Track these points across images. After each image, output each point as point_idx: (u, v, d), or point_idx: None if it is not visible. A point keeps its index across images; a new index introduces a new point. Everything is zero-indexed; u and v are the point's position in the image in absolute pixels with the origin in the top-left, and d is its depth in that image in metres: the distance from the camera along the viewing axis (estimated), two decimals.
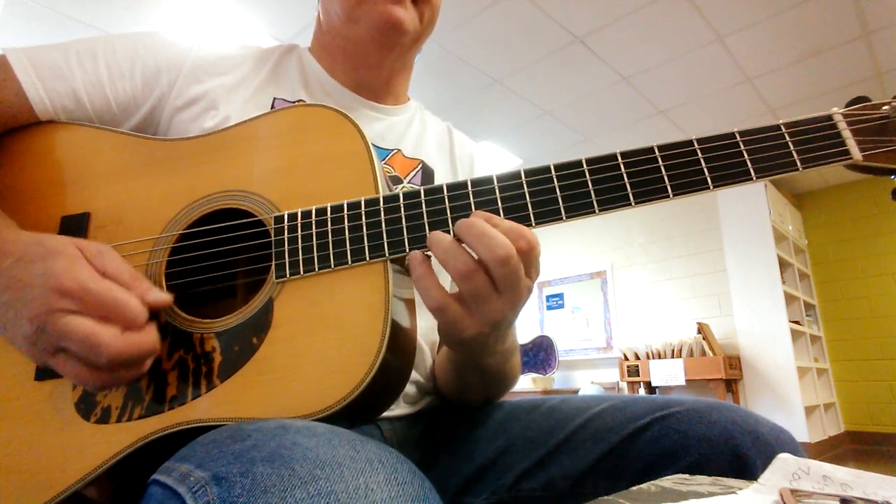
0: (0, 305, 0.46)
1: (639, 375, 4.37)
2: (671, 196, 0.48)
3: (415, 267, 0.48)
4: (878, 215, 4.67)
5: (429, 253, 0.49)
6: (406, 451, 0.68)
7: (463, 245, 0.47)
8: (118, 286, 0.46)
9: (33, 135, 0.63)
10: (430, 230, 0.50)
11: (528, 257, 0.47)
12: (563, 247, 5.65)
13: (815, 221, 5.09)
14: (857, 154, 0.48)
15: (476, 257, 0.46)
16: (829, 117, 0.49)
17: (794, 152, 0.48)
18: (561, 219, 0.49)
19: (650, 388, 4.41)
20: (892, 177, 0.50)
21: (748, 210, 4.37)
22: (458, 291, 0.48)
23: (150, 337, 0.47)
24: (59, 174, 0.61)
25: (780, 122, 0.49)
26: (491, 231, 0.46)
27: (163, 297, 0.49)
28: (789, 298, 4.27)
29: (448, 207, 0.50)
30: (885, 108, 0.48)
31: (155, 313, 0.49)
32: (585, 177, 0.49)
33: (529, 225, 0.49)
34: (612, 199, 0.49)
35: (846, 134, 0.48)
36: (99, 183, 0.59)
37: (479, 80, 3.41)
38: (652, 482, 0.37)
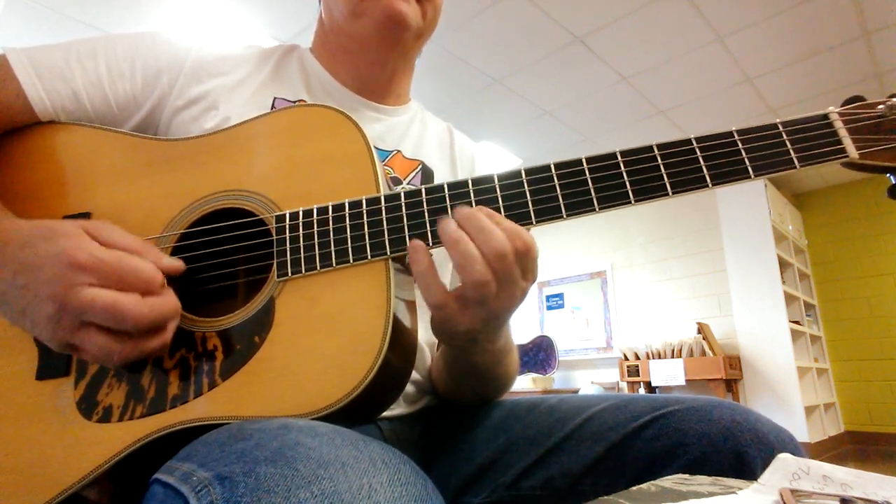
0: (17, 290, 0.46)
1: (639, 375, 4.37)
2: (670, 194, 0.49)
3: (418, 261, 0.48)
4: (878, 215, 4.67)
5: (433, 251, 0.50)
6: (406, 451, 0.67)
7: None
8: (130, 255, 0.47)
9: (33, 135, 0.63)
10: (431, 228, 0.50)
11: (525, 259, 0.47)
12: (563, 247, 5.65)
13: (815, 221, 5.09)
14: (853, 152, 0.48)
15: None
16: (826, 116, 0.50)
17: (791, 151, 0.49)
18: (561, 217, 0.49)
19: (650, 388, 4.41)
20: (888, 174, 0.51)
21: (748, 210, 4.37)
22: (458, 287, 0.48)
23: (170, 300, 0.48)
24: (60, 174, 0.60)
25: (778, 121, 0.50)
26: (490, 225, 0.46)
27: (175, 263, 0.50)
28: (789, 298, 4.27)
29: (449, 206, 0.50)
30: (881, 107, 0.49)
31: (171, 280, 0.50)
32: (585, 175, 0.50)
33: (530, 223, 0.50)
34: (612, 196, 0.49)
35: (843, 133, 0.49)
36: (99, 183, 0.59)
37: (479, 80, 3.41)
38: (652, 482, 0.37)
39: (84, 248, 0.45)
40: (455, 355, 0.61)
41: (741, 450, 0.49)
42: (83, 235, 0.47)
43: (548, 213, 0.49)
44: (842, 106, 0.51)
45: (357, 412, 0.48)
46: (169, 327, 0.48)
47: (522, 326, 5.63)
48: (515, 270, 0.47)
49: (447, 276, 0.78)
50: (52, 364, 0.51)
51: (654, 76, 3.41)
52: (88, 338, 0.45)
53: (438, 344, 0.75)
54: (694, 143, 0.50)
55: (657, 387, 4.41)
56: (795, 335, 4.17)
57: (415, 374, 0.70)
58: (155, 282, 0.47)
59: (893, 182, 0.51)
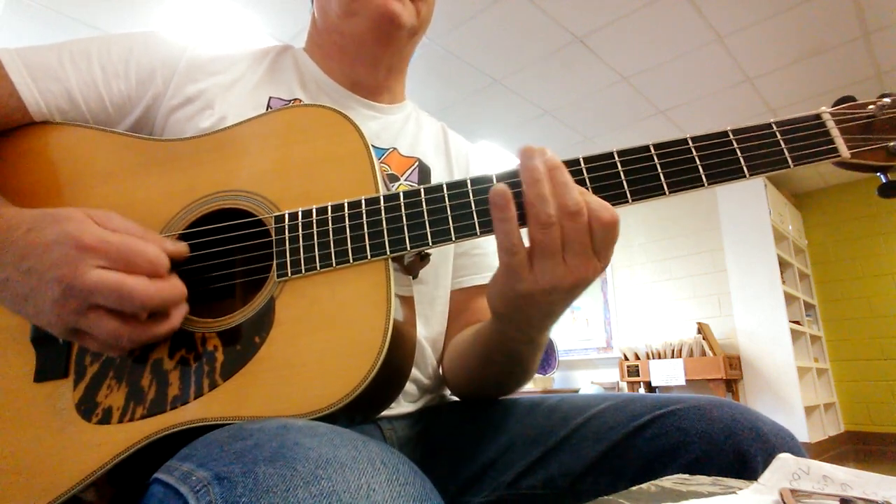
0: (21, 275, 0.46)
1: (639, 375, 4.37)
2: (667, 193, 0.49)
3: (502, 206, 0.47)
4: (878, 215, 4.67)
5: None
6: (406, 451, 0.68)
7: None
8: (135, 238, 0.47)
9: (28, 136, 0.62)
10: (430, 228, 0.50)
11: (606, 231, 0.46)
12: None
13: (815, 221, 5.09)
14: (845, 152, 0.49)
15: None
16: (818, 116, 0.51)
17: (785, 150, 0.50)
18: None
19: (650, 388, 4.41)
20: (878, 174, 0.51)
21: (748, 210, 4.37)
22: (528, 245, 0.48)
23: (175, 283, 0.48)
24: (55, 175, 0.60)
25: (772, 120, 0.51)
26: (572, 183, 0.46)
27: (179, 246, 0.51)
28: (789, 298, 4.27)
29: (448, 206, 0.51)
30: (871, 107, 0.50)
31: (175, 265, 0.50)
32: (583, 175, 0.50)
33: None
34: (610, 196, 0.49)
35: (834, 132, 0.50)
36: (95, 184, 0.59)
37: (478, 80, 3.41)
38: (652, 482, 0.37)
39: (90, 231, 0.45)
40: (497, 338, 0.59)
41: (742, 448, 0.49)
42: (88, 220, 0.47)
43: None
44: (833, 106, 0.51)
45: (357, 411, 0.48)
46: (175, 313, 0.49)
47: None
48: (586, 236, 0.46)
49: (448, 274, 0.77)
50: (50, 365, 0.51)
51: (654, 76, 3.41)
52: (97, 321, 0.45)
53: (446, 341, 0.75)
54: (690, 142, 0.50)
55: (657, 387, 4.41)
56: (795, 335, 4.17)
57: (415, 373, 0.70)
58: (161, 264, 0.47)
59: (884, 181, 0.52)
